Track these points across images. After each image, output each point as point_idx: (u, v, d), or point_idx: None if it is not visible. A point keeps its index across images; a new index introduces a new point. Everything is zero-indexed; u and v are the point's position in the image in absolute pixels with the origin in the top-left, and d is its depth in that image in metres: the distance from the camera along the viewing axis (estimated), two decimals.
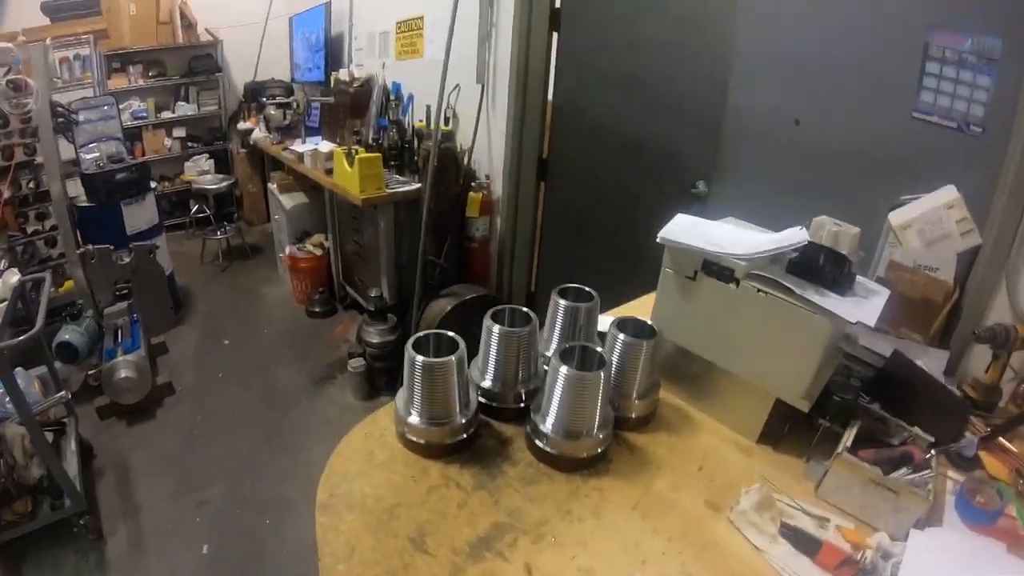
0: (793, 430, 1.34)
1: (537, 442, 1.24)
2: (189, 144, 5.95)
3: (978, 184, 1.53)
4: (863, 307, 1.18)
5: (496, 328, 1.30)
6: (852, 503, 1.12)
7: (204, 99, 5.92)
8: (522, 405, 1.36)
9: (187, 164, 5.89)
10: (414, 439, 1.23)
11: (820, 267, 1.21)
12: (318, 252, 4.33)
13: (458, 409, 1.23)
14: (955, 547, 1.07)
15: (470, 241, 3.51)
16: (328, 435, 3.10)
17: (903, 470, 1.13)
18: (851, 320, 1.14)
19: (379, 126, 3.91)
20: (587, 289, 1.48)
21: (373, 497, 1.14)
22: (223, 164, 6.05)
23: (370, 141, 3.69)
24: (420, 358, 1.17)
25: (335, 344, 4.01)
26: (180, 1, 5.44)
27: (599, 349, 1.25)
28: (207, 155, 5.96)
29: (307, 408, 3.40)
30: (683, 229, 1.40)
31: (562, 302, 1.44)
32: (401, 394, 1.26)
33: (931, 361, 1.43)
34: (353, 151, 3.24)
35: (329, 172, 3.61)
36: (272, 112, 4.59)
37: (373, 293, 3.34)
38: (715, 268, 1.31)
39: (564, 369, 1.16)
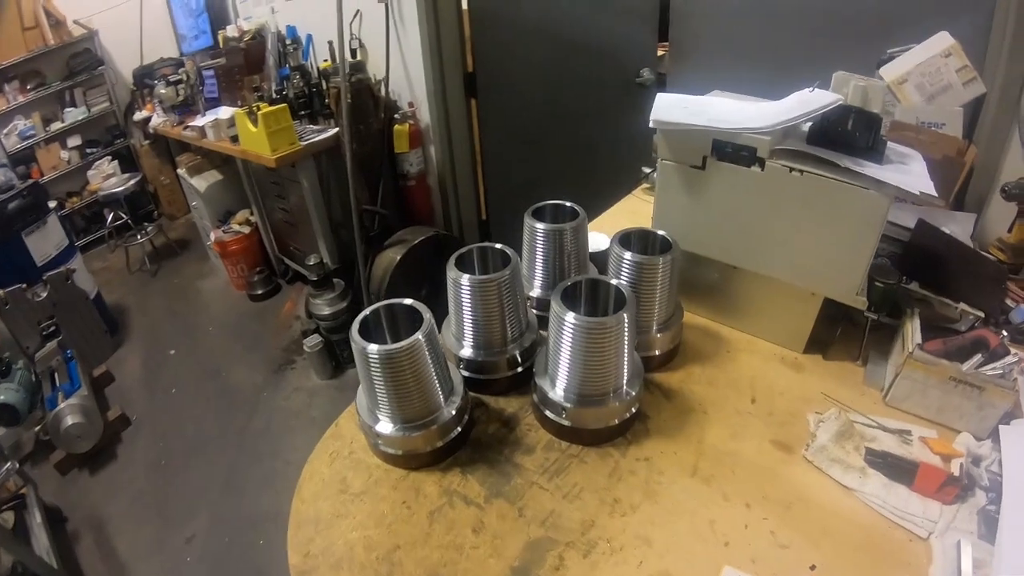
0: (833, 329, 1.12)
1: (551, 415, 0.96)
2: (88, 151, 5.31)
3: (971, 28, 1.37)
4: (911, 175, 0.94)
5: (466, 280, 0.98)
6: (928, 407, 0.96)
7: (93, 98, 5.25)
8: (520, 370, 1.06)
9: (90, 173, 5.29)
10: (392, 451, 0.93)
11: (850, 132, 0.97)
12: (246, 230, 3.91)
13: (442, 400, 0.92)
14: None
15: (405, 179, 3.12)
16: (301, 427, 2.82)
17: (976, 358, 0.96)
18: (914, 191, 0.88)
19: (280, 77, 3.46)
20: (568, 204, 1.16)
21: (362, 544, 0.85)
22: (129, 163, 5.48)
23: (273, 95, 3.24)
24: (372, 348, 0.84)
25: (286, 324, 3.65)
26: (42, 0, 4.74)
27: (614, 282, 0.94)
28: (110, 157, 5.37)
29: (272, 403, 3.06)
30: (675, 108, 1.09)
31: (539, 225, 1.12)
32: (361, 396, 0.95)
33: (957, 226, 1.28)
34: (255, 108, 2.81)
35: (235, 140, 3.16)
36: (163, 91, 4.07)
37: (312, 261, 2.94)
38: (729, 150, 1.03)
39: (572, 318, 0.86)
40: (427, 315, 0.88)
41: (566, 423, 0.94)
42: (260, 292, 3.94)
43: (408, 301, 0.92)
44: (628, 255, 1.02)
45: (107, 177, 5.09)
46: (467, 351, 1.05)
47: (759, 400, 1.05)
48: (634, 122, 3.37)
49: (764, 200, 1.03)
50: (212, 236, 3.95)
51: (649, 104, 1.10)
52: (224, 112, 3.42)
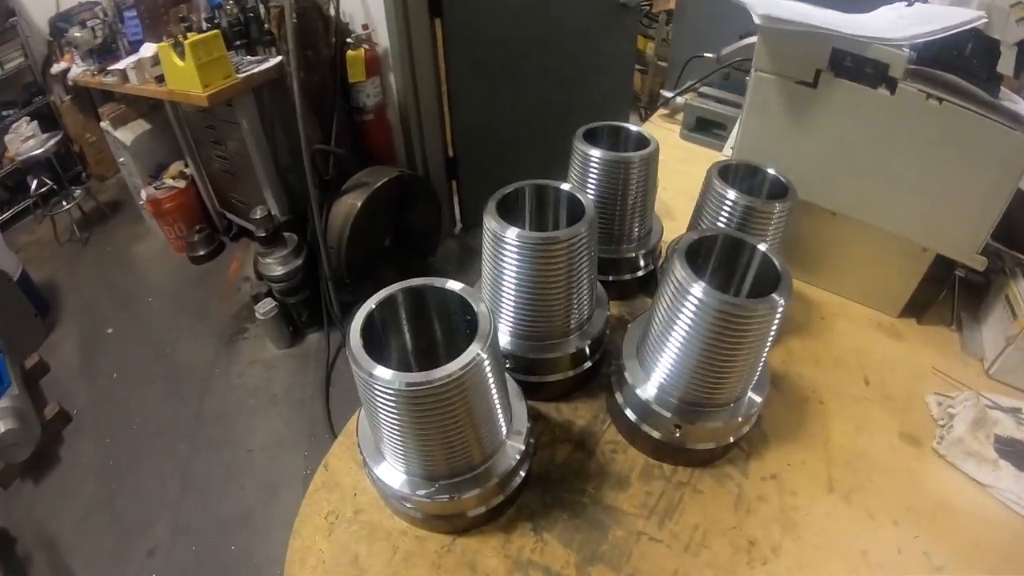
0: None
1: (649, 431, 0.68)
2: (4, 113, 4.76)
3: None
4: None
5: (515, 237, 0.64)
6: None
7: (6, 54, 4.70)
8: (588, 365, 0.76)
9: (8, 137, 4.76)
10: (421, 516, 0.63)
11: (967, 59, 0.77)
12: (181, 184, 3.47)
13: (504, 434, 0.62)
14: None
15: (361, 113, 2.74)
16: (262, 408, 2.51)
17: None
18: None
19: (211, 5, 3.02)
20: (626, 126, 0.86)
21: None
22: (51, 123, 4.91)
23: (204, 25, 2.79)
24: (392, 377, 0.51)
25: (234, 288, 3.26)
26: None
27: (762, 247, 0.63)
28: (28, 118, 4.81)
29: (226, 381, 2.72)
30: (768, 5, 0.78)
31: (596, 153, 0.81)
32: (365, 431, 0.64)
33: None
34: (181, 39, 2.37)
35: (162, 80, 2.72)
36: (77, 35, 3.56)
37: (258, 214, 2.56)
38: (849, 64, 0.77)
39: (704, 294, 0.56)
40: (482, 307, 0.56)
41: (675, 443, 0.66)
42: (202, 253, 3.54)
43: (455, 285, 0.59)
44: (732, 195, 0.73)
45: (26, 140, 4.57)
46: (508, 341, 0.75)
47: (872, 381, 0.84)
48: (618, 47, 3.07)
49: (888, 132, 0.80)
50: (144, 194, 3.50)
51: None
52: (148, 50, 2.93)
